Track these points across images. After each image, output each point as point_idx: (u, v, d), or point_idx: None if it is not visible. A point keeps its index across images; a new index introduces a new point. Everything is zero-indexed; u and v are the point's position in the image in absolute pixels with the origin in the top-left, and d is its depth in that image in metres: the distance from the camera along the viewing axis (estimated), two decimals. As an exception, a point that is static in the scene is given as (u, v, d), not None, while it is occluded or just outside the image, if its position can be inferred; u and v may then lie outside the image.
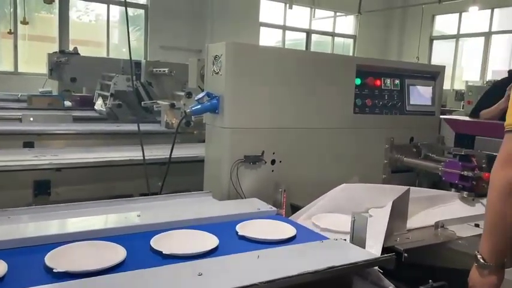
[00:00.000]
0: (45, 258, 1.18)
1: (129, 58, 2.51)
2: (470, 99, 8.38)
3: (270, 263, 1.23)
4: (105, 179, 2.64)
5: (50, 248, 1.25)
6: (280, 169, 2.11)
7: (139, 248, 1.32)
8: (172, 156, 2.64)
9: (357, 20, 12.71)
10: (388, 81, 2.48)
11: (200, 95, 1.97)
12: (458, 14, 11.81)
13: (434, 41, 12.66)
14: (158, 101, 4.10)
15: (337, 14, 12.59)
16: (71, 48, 6.41)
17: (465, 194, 2.10)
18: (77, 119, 4.51)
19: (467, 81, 9.89)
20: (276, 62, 2.08)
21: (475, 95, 8.19)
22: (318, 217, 1.77)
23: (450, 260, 1.72)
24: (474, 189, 2.09)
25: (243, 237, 1.45)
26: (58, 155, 2.71)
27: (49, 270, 1.13)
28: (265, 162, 2.07)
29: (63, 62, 5.31)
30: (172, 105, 3.77)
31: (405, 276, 1.51)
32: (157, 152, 2.82)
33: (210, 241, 1.36)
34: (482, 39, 11.40)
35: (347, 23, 13.01)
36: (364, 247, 1.39)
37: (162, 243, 1.33)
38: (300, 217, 1.83)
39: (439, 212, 1.98)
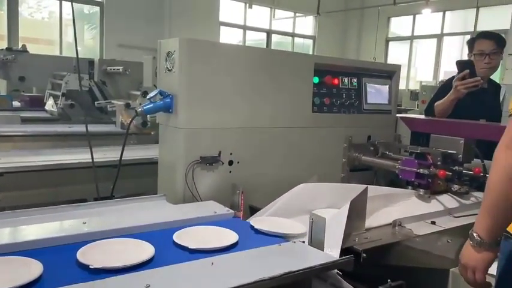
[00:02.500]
0: (77, 256, 1.19)
1: (82, 57, 2.38)
2: (424, 99, 8.65)
3: (224, 270, 1.17)
4: (53, 184, 2.48)
5: (75, 247, 1.25)
6: (238, 170, 2.05)
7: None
8: (127, 158, 2.53)
9: (316, 20, 12.86)
10: (345, 80, 2.48)
11: (152, 93, 1.88)
12: (412, 17, 12.19)
13: (390, 42, 13.01)
14: (113, 101, 3.94)
15: (297, 14, 12.69)
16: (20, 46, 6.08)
17: (421, 191, 2.13)
18: (26, 120, 4.28)
19: (421, 82, 10.21)
20: (233, 60, 2.02)
21: (429, 95, 8.44)
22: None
23: (408, 258, 1.73)
24: (430, 187, 2.12)
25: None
26: (2, 158, 2.54)
27: (84, 267, 1.15)
28: (223, 163, 2.00)
29: (10, 60, 5.00)
30: (127, 105, 3.62)
31: (365, 276, 1.49)
32: (110, 154, 2.70)
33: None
34: (434, 40, 11.82)
35: (306, 24, 13.14)
36: (322, 249, 1.36)
37: (184, 238, 1.37)
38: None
39: (396, 210, 1.98)
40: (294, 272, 1.14)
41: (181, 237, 1.38)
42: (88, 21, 10.03)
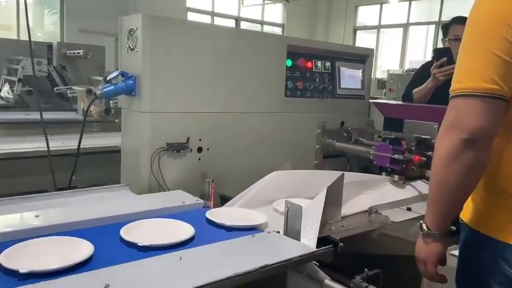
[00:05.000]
0: (121, 234, 1.21)
1: (41, 41, 2.19)
2: (391, 87, 8.75)
3: (194, 265, 1.07)
4: (6, 174, 2.29)
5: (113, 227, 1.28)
6: (207, 157, 1.94)
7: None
8: (88, 146, 2.37)
9: (285, 8, 12.75)
10: (319, 63, 2.39)
11: (113, 75, 1.72)
12: (379, 6, 12.28)
13: (358, 32, 13.07)
14: (73, 87, 3.73)
15: (266, 1, 12.54)
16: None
17: (396, 177, 2.09)
18: (-21, 108, 3.99)
19: (388, 70, 10.32)
20: (201, 39, 1.89)
21: (396, 83, 8.56)
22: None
23: (385, 245, 1.68)
24: (404, 173, 2.08)
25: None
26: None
27: (131, 245, 1.17)
28: (191, 150, 1.89)
29: (-40, 43, 4.67)
30: (89, 91, 3.41)
31: (341, 265, 1.43)
32: (70, 142, 2.52)
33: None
34: (400, 30, 11.96)
35: (275, 11, 13.02)
36: (299, 239, 1.28)
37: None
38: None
39: (371, 196, 1.94)
40: (270, 265, 1.05)
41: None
42: (48, 6, 9.52)
